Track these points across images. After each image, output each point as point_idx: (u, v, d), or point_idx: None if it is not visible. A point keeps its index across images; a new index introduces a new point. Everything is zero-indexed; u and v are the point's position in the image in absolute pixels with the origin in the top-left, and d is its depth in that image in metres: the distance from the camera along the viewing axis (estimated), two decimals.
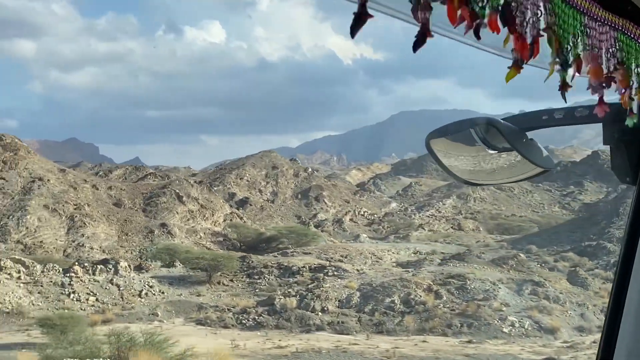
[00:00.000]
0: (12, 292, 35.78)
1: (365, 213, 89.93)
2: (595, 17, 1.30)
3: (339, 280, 34.72)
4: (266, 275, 40.01)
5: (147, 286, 37.88)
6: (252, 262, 42.10)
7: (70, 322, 28.57)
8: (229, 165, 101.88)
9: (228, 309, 34.75)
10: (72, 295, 36.26)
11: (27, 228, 59.95)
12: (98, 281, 37.57)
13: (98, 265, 38.51)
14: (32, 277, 37.08)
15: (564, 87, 1.23)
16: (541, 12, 1.11)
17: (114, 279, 37.79)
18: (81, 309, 35.26)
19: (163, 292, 37.94)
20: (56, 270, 37.85)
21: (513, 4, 1.04)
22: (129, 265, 39.27)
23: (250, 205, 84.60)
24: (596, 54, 1.30)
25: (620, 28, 1.39)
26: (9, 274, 36.84)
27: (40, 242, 59.18)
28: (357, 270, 38.22)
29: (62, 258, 53.76)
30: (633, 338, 2.06)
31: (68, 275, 37.43)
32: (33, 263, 37.90)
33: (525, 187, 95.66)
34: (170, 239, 62.83)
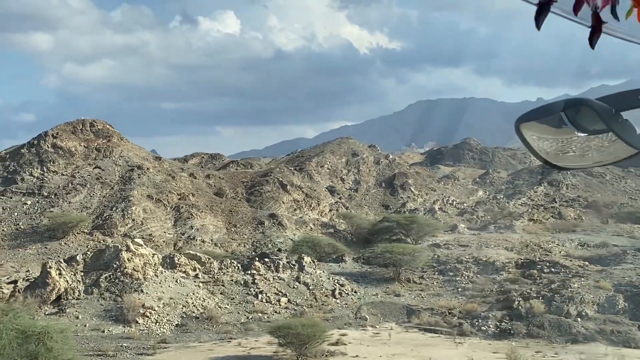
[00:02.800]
0: (194, 294, 31.11)
1: (454, 202, 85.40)
2: None
3: (582, 279, 29.77)
4: (463, 272, 35.15)
5: (338, 285, 33.11)
6: (438, 255, 37.24)
7: (316, 331, 23.90)
8: (306, 152, 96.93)
9: (448, 312, 29.98)
10: (260, 296, 31.55)
11: (133, 220, 55.40)
12: (284, 279, 32.83)
13: (280, 262, 33.73)
14: (210, 276, 32.37)
15: None
16: None
17: (301, 277, 33.05)
18: (275, 312, 30.57)
19: (356, 292, 33.17)
20: (235, 267, 33.12)
21: None
22: (313, 261, 34.47)
23: (338, 194, 79.93)
24: None
25: None
26: (185, 271, 32.14)
27: (150, 234, 54.62)
28: (580, 266, 33.31)
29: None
30: None
31: (249, 272, 32.71)
32: (209, 259, 33.16)
33: (617, 173, 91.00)
34: (282, 230, 58.17)
